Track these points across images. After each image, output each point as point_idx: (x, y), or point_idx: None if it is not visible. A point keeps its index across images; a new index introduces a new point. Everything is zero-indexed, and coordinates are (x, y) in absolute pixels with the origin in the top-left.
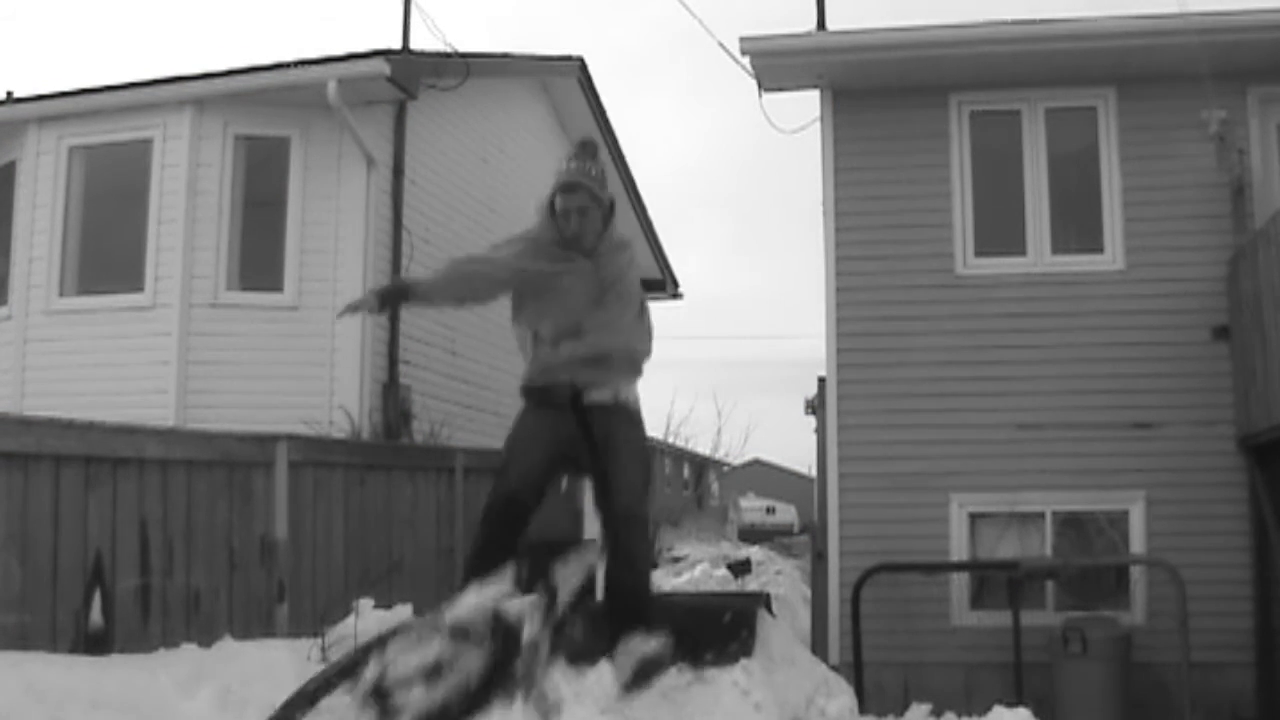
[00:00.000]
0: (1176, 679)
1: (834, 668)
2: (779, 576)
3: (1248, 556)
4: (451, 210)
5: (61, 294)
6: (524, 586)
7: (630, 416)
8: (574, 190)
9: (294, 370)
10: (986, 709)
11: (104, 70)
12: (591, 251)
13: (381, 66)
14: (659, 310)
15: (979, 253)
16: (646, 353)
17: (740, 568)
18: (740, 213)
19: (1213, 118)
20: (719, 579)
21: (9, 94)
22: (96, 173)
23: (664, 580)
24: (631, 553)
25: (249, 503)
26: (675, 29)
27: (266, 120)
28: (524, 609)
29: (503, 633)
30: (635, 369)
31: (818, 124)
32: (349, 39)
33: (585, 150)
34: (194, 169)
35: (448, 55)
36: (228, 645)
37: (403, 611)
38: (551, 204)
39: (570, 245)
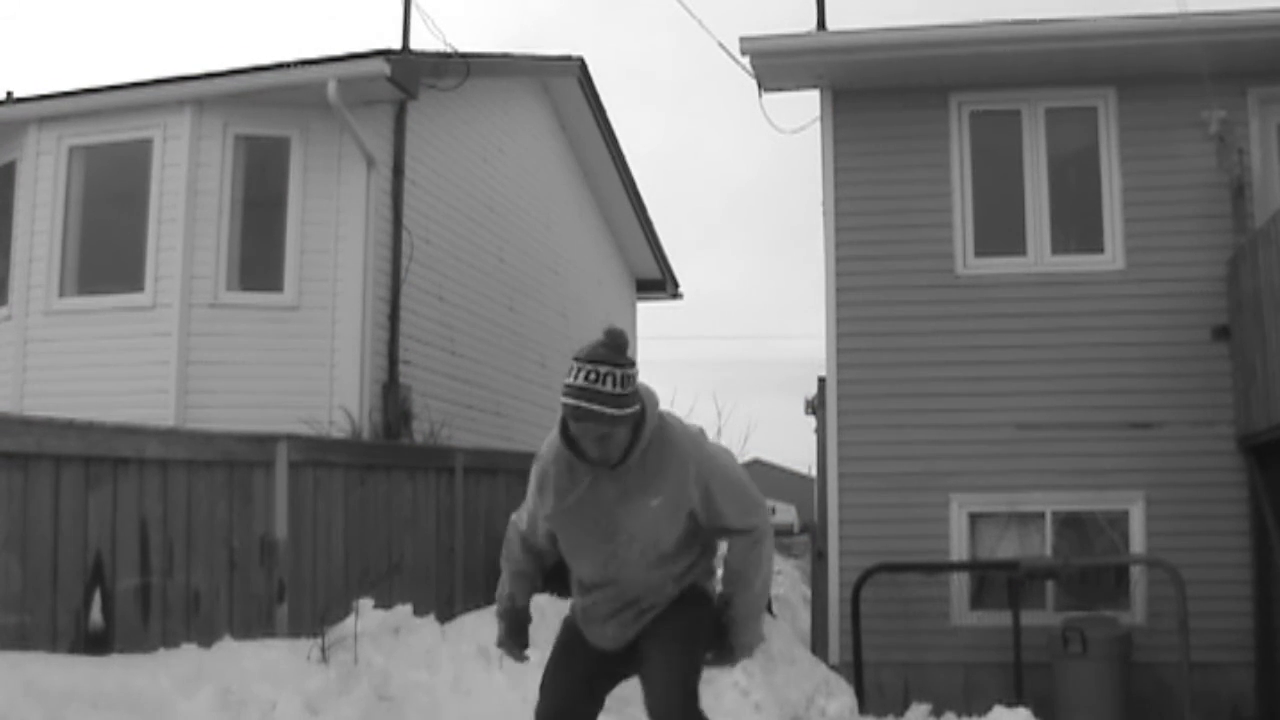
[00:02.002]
0: (1176, 679)
1: (834, 668)
2: (779, 576)
3: (1248, 556)
4: (451, 210)
5: (61, 294)
6: None
7: (690, 597)
8: (582, 419)
9: (294, 370)
10: (986, 709)
11: (104, 70)
12: (618, 467)
13: (381, 66)
14: (658, 311)
15: (979, 253)
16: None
17: None
18: (740, 213)
19: (1213, 118)
20: (719, 579)
21: (9, 94)
22: (96, 173)
23: None
24: None
25: (249, 503)
26: (675, 29)
27: (266, 120)
28: None
29: None
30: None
31: (818, 124)
32: (349, 39)
33: (610, 346)
34: (194, 169)
35: (448, 55)
36: (228, 645)
37: (403, 611)
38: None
39: (595, 464)
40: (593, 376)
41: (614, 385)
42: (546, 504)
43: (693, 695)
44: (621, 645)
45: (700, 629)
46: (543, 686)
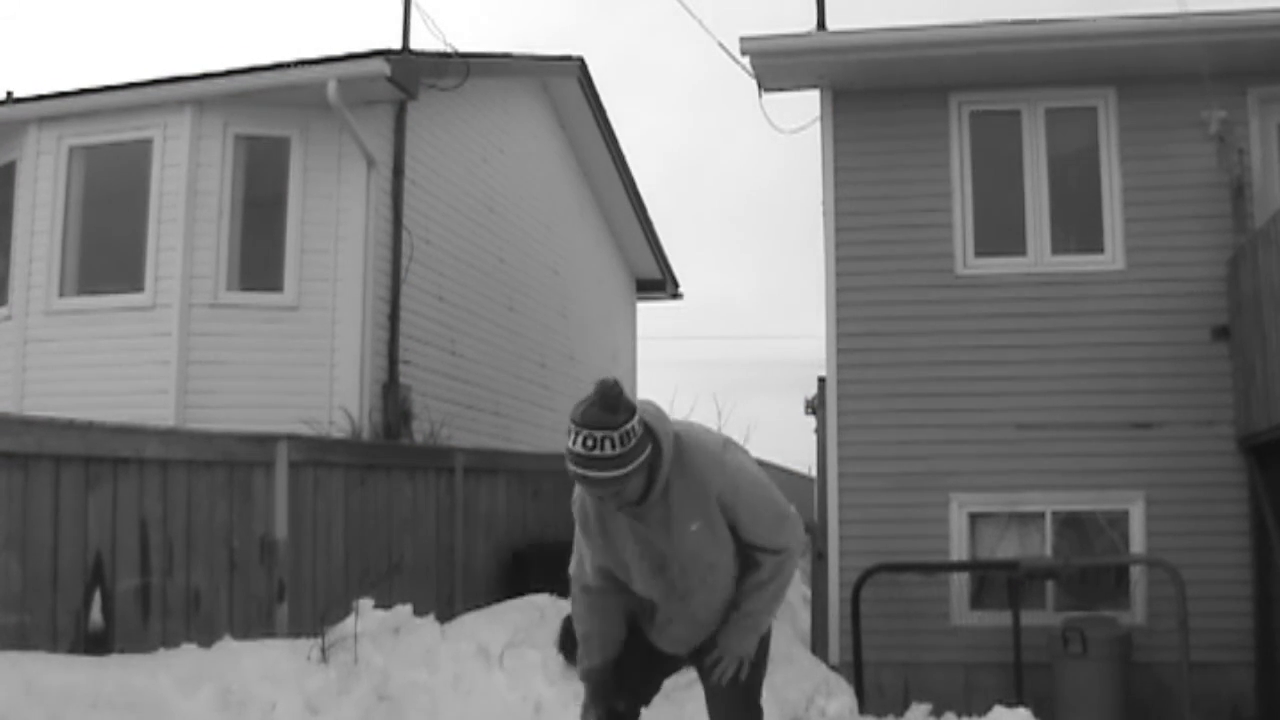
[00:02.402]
0: (1176, 679)
1: (834, 668)
2: None
3: (1248, 556)
4: (451, 210)
5: (61, 294)
6: None
7: None
8: (588, 486)
9: (294, 370)
10: (986, 709)
11: (104, 70)
12: (642, 503)
13: (381, 66)
14: (658, 311)
15: (979, 253)
16: (768, 610)
17: None
18: (741, 213)
19: (1213, 118)
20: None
21: (9, 94)
22: (96, 173)
23: None
24: None
25: (249, 503)
26: (675, 28)
27: (266, 120)
28: None
29: None
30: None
31: (818, 124)
32: (349, 39)
33: (602, 405)
34: (194, 169)
35: (448, 55)
36: (228, 645)
37: (403, 611)
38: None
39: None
40: (590, 443)
41: (613, 447)
42: (593, 545)
43: (757, 709)
44: (734, 665)
45: (764, 644)
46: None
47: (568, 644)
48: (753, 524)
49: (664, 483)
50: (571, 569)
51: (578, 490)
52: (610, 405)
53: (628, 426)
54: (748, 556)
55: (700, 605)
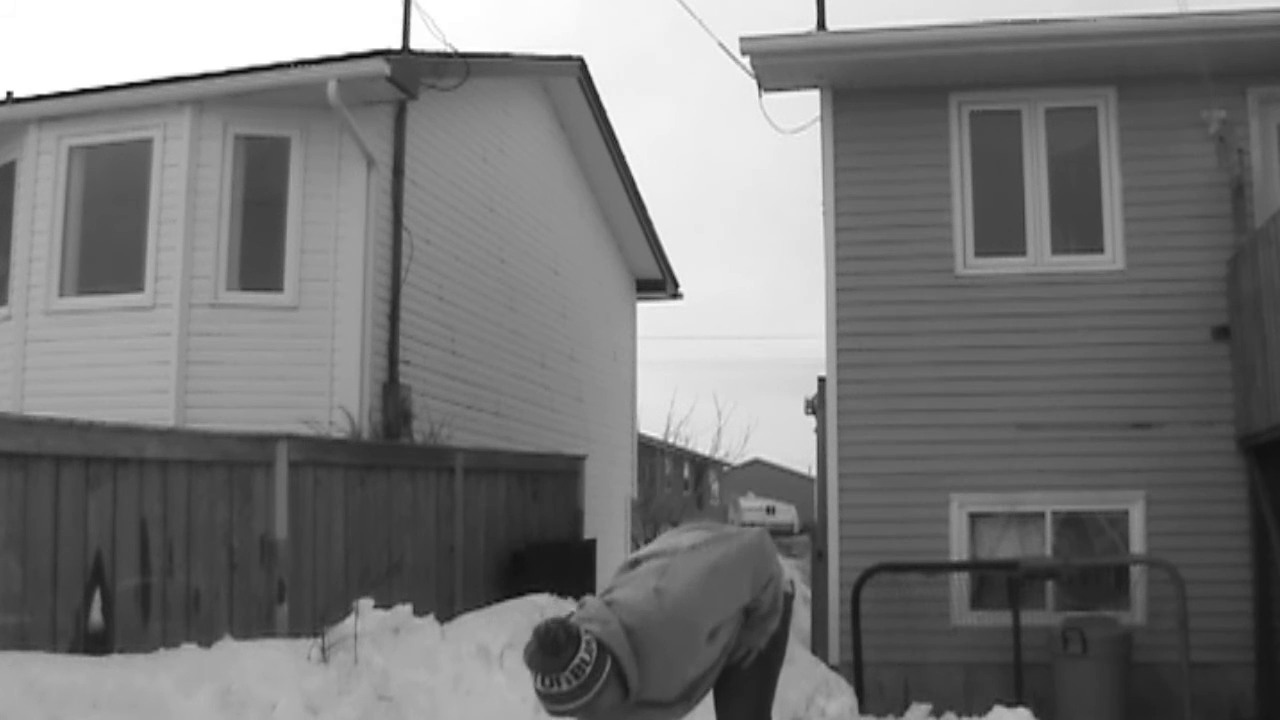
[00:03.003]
0: (1176, 679)
1: (834, 668)
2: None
3: (1248, 556)
4: (451, 210)
5: (61, 294)
6: None
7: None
8: (561, 716)
9: (294, 370)
10: (986, 709)
11: (104, 70)
12: (626, 700)
13: (381, 66)
14: (659, 311)
15: (979, 253)
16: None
17: None
18: (741, 212)
19: (1213, 118)
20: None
21: (9, 94)
22: (96, 173)
23: None
24: None
25: (249, 503)
26: (675, 28)
27: (266, 120)
28: None
29: None
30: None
31: (818, 124)
32: (349, 39)
33: (543, 650)
34: (194, 169)
35: (448, 55)
36: (228, 645)
37: (403, 611)
38: None
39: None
40: (547, 683)
41: (567, 684)
42: None
43: (768, 707)
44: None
45: (779, 645)
46: None
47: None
48: (741, 600)
49: (636, 679)
50: None
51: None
52: (549, 649)
53: (575, 661)
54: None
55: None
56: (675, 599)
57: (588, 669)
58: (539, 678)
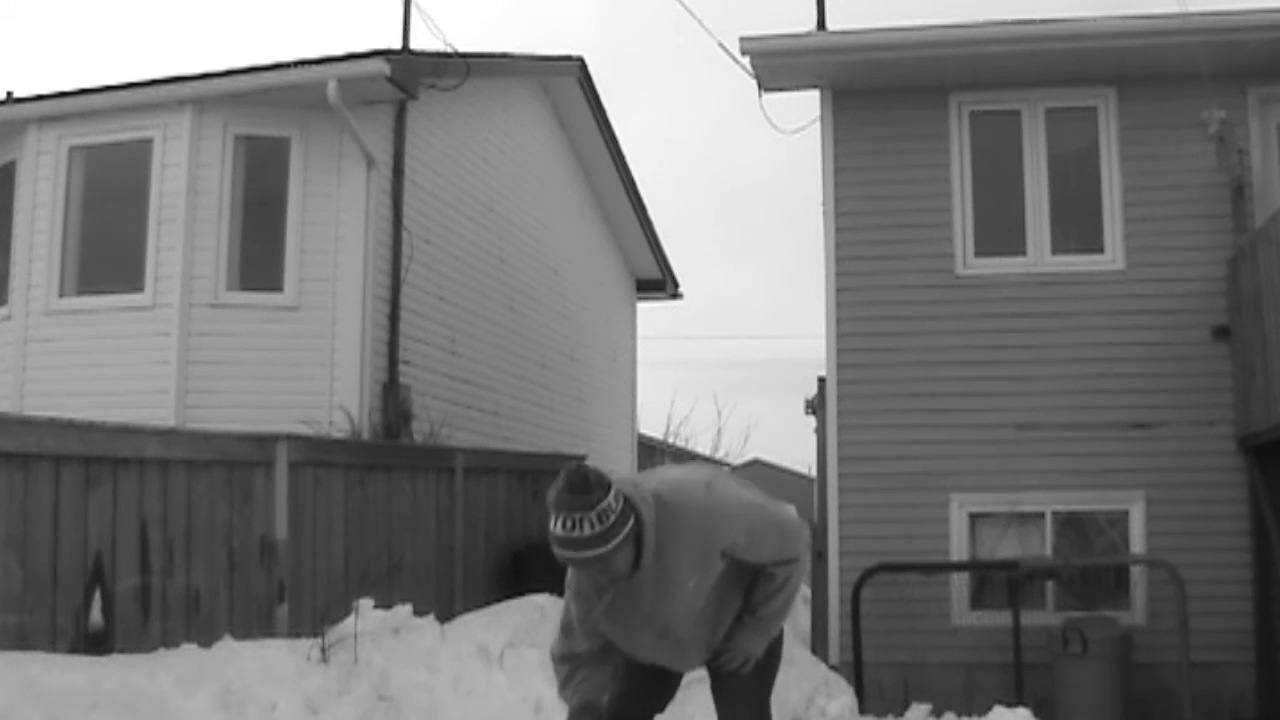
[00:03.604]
0: (1176, 679)
1: (834, 668)
2: None
3: (1248, 556)
4: (451, 210)
5: (61, 294)
6: None
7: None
8: (574, 566)
9: (294, 370)
10: (986, 709)
11: (104, 70)
12: (633, 575)
13: (381, 66)
14: (659, 311)
15: (979, 253)
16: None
17: None
18: (741, 212)
19: (1213, 118)
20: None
21: (9, 94)
22: (96, 173)
23: None
24: None
25: (249, 503)
26: (675, 29)
27: (266, 120)
28: None
29: None
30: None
31: (818, 124)
32: (349, 39)
33: (571, 488)
34: (194, 169)
35: (448, 55)
36: (228, 645)
37: (403, 611)
38: None
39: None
40: (569, 524)
41: (590, 528)
42: (587, 612)
43: (766, 707)
44: (732, 665)
45: (775, 649)
46: (615, 681)
47: None
48: (760, 552)
49: (652, 549)
50: (553, 648)
51: (571, 573)
52: (579, 486)
53: (603, 504)
54: (756, 575)
55: (699, 648)
56: (720, 496)
57: (612, 517)
58: (560, 520)
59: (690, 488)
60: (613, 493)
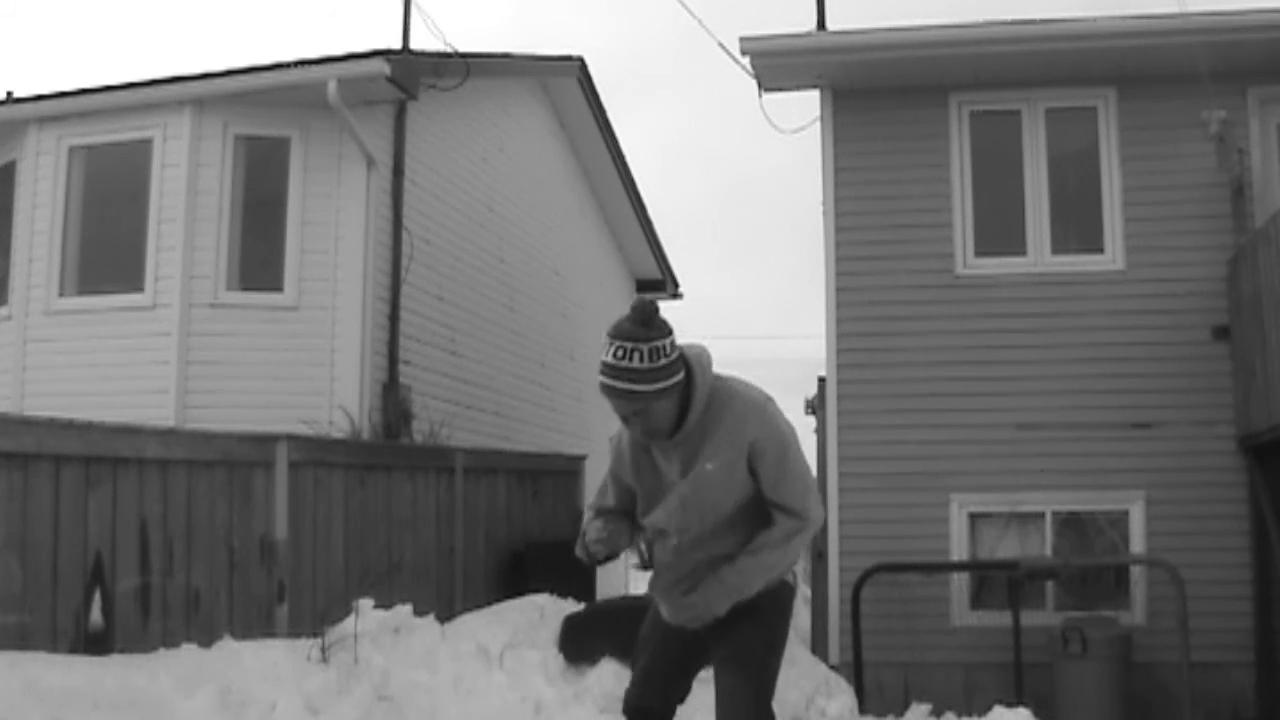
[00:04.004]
0: (1176, 679)
1: (834, 668)
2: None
3: (1248, 556)
4: (451, 210)
5: (61, 294)
6: None
7: (770, 604)
8: (612, 397)
9: (294, 370)
10: (986, 709)
11: (104, 70)
12: (674, 435)
13: (381, 66)
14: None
15: (979, 253)
16: (782, 562)
17: None
18: (741, 212)
19: (1213, 118)
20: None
21: (9, 94)
22: (96, 173)
23: None
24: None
25: (249, 503)
26: (675, 28)
27: (266, 120)
28: None
29: None
30: (767, 570)
31: (818, 124)
32: (349, 39)
33: (635, 319)
34: (194, 169)
35: (448, 55)
36: (228, 645)
37: (403, 611)
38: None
39: (650, 439)
40: (620, 353)
41: (640, 360)
42: (624, 472)
43: (766, 706)
44: (697, 623)
45: (778, 639)
46: (633, 672)
47: (568, 643)
48: (779, 480)
49: (697, 419)
50: (590, 501)
51: (617, 429)
52: (643, 320)
53: (659, 343)
54: (764, 517)
55: (693, 551)
56: (775, 412)
57: (663, 360)
58: (614, 348)
59: (754, 391)
60: (672, 340)
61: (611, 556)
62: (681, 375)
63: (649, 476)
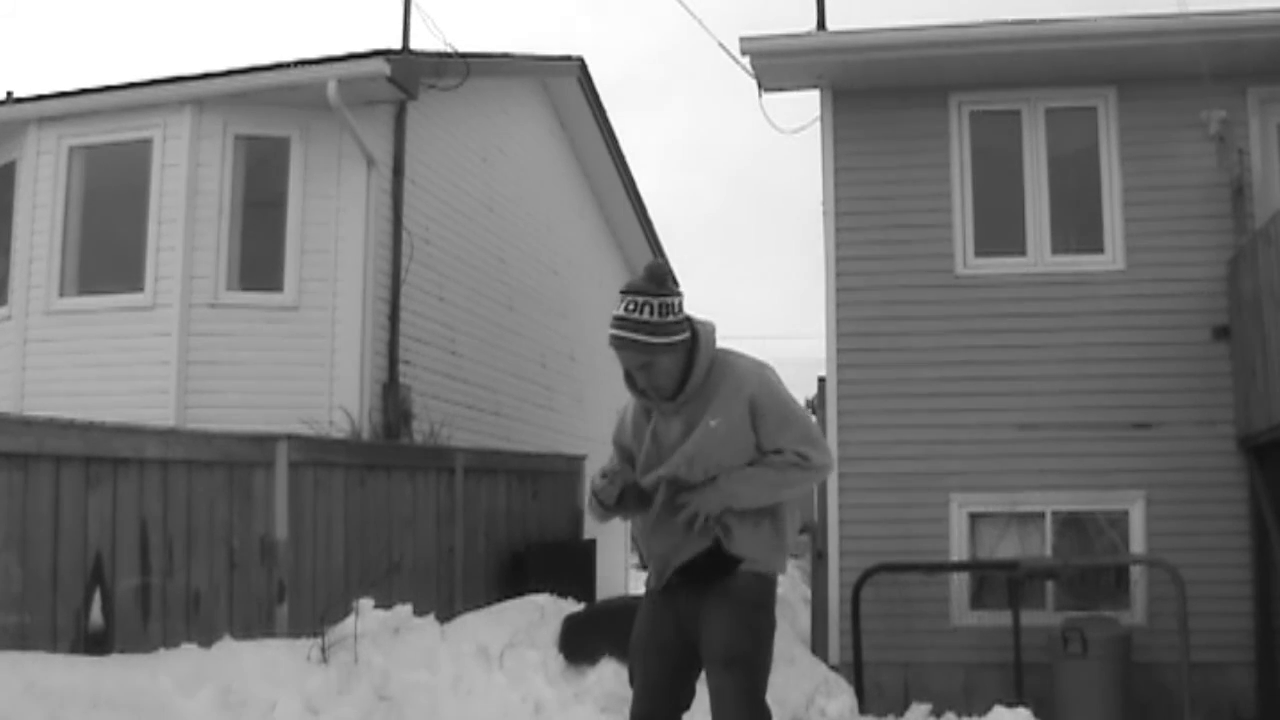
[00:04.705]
0: (1176, 679)
1: (834, 668)
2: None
3: (1248, 556)
4: (451, 210)
5: (61, 294)
6: None
7: (753, 597)
8: (620, 348)
9: (294, 370)
10: (986, 709)
11: (104, 70)
12: (676, 398)
13: (381, 66)
14: None
15: (979, 253)
16: (779, 547)
17: None
18: (739, 212)
19: (1213, 118)
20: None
21: (9, 94)
22: (96, 173)
23: None
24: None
25: (249, 503)
26: (675, 28)
27: (266, 120)
28: None
29: None
30: (766, 548)
31: (818, 124)
32: (349, 39)
33: (648, 278)
34: (194, 169)
35: (448, 55)
36: (228, 645)
37: (403, 611)
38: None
39: (651, 398)
40: (631, 307)
41: (650, 314)
42: (624, 438)
43: (759, 703)
44: (681, 537)
45: (762, 634)
46: (633, 680)
47: (568, 643)
48: (780, 428)
49: (699, 383)
50: (598, 472)
51: (624, 402)
52: (656, 279)
53: (669, 300)
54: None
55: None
56: (773, 377)
57: (671, 316)
58: (626, 302)
59: (753, 357)
60: (681, 300)
61: (622, 502)
62: (687, 335)
63: (649, 442)
